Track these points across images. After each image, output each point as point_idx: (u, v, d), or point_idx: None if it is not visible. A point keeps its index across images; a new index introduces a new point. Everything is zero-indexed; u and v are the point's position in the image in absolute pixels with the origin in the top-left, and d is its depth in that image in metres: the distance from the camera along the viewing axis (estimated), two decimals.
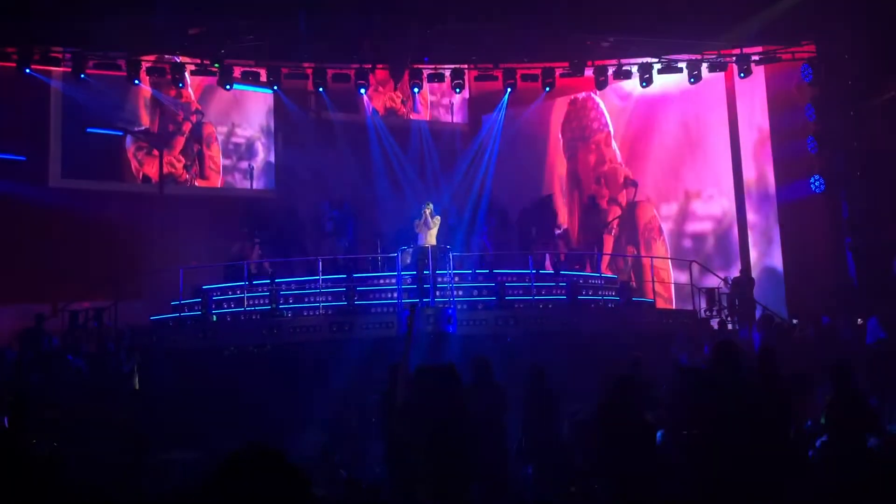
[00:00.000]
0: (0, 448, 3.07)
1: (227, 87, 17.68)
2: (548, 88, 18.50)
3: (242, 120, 20.09)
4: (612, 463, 5.75)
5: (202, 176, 19.53)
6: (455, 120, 22.47)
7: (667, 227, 19.14)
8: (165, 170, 18.80)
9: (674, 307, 17.56)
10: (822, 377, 9.40)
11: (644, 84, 17.74)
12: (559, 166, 21.18)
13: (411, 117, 21.27)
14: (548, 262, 17.07)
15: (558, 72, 18.23)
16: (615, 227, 19.69)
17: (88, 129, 17.75)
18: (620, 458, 5.65)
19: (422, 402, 4.48)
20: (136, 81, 17.03)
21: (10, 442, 3.12)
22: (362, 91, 18.40)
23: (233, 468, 2.26)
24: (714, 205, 18.45)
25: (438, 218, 14.84)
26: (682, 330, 14.18)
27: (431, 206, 14.85)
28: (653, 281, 17.01)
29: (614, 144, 20.08)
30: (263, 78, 17.67)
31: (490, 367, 8.21)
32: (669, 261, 18.54)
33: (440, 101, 22.33)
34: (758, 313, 15.38)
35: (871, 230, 15.41)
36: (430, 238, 14.53)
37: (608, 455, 5.83)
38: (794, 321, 15.02)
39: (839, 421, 6.31)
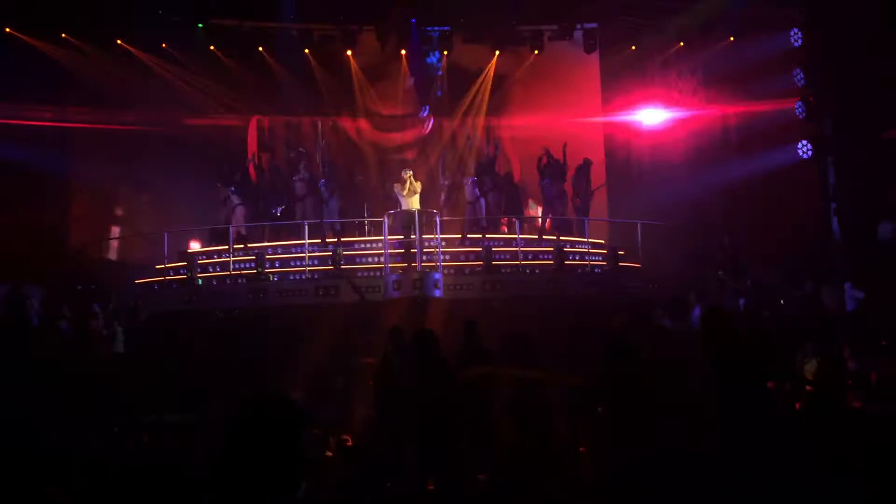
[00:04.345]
0: None
1: (210, 46, 17.40)
2: (536, 52, 18.36)
3: None
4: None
5: None
6: None
7: None
8: None
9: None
10: (797, 341, 9.50)
11: None
12: None
13: None
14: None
15: (546, 34, 18.12)
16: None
17: None
18: None
19: (415, 367, 4.50)
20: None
21: None
22: (349, 52, 18.11)
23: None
24: None
25: (419, 184, 14.70)
26: (666, 295, 14.15)
27: (411, 172, 14.69)
28: (639, 246, 16.88)
29: None
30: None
31: (477, 332, 8.20)
32: None
33: None
34: None
35: (858, 196, 15.38)
36: (414, 203, 14.38)
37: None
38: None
39: (826, 383, 6.32)
